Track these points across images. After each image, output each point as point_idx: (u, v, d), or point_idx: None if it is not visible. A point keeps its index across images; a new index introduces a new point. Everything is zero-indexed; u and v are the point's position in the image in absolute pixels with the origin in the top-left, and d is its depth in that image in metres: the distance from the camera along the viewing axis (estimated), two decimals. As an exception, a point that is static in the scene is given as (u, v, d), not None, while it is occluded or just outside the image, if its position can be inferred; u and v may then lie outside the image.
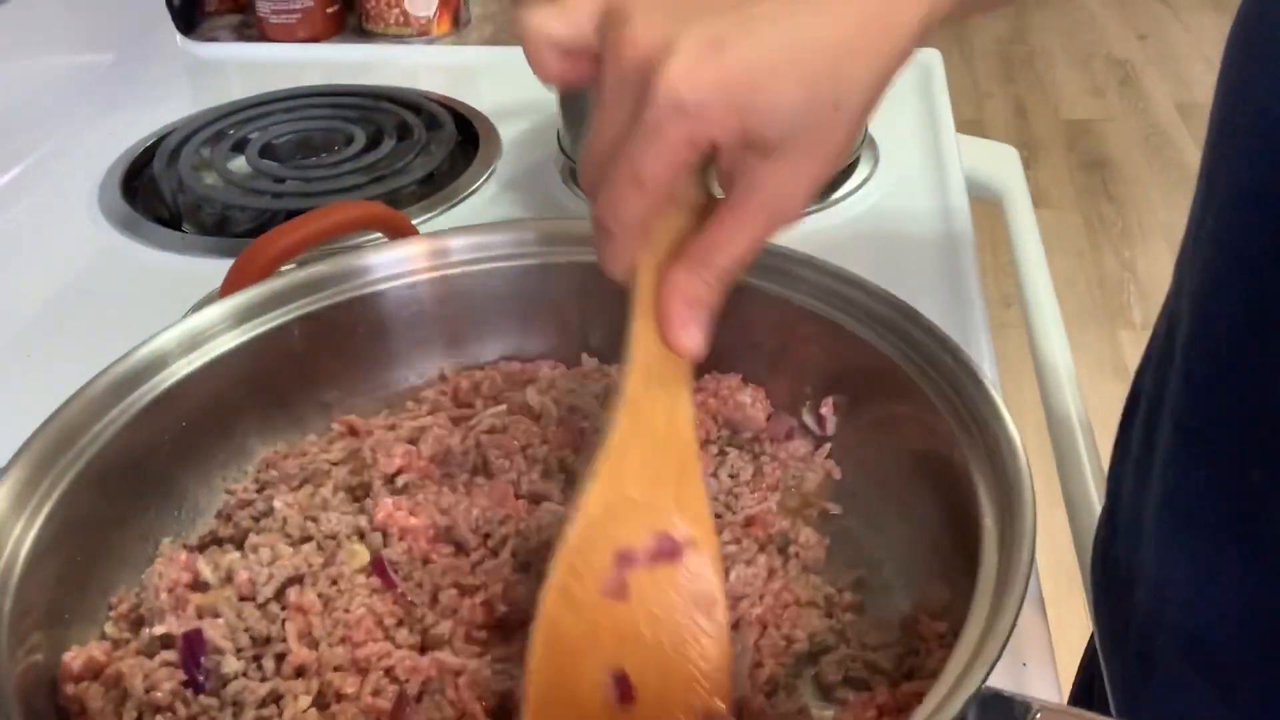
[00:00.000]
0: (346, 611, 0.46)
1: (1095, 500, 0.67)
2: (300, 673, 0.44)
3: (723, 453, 0.55)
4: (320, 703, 0.43)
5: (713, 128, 0.38)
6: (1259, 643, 0.51)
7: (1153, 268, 2.48)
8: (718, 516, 0.52)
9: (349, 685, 0.43)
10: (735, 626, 0.47)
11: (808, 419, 0.56)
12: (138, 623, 0.47)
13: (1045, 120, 3.07)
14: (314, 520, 0.50)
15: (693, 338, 0.42)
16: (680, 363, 0.43)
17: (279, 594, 0.47)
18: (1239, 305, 0.48)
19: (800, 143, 0.40)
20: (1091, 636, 0.70)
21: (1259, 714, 0.52)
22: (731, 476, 0.54)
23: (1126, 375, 2.46)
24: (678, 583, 0.43)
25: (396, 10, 1.12)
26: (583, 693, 0.41)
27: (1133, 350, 2.27)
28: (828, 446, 0.55)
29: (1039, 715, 0.36)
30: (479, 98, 0.99)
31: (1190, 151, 2.87)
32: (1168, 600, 0.55)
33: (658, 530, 0.43)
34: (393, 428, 0.55)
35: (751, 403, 0.55)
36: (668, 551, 0.43)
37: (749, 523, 0.51)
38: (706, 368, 0.58)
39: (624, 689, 0.41)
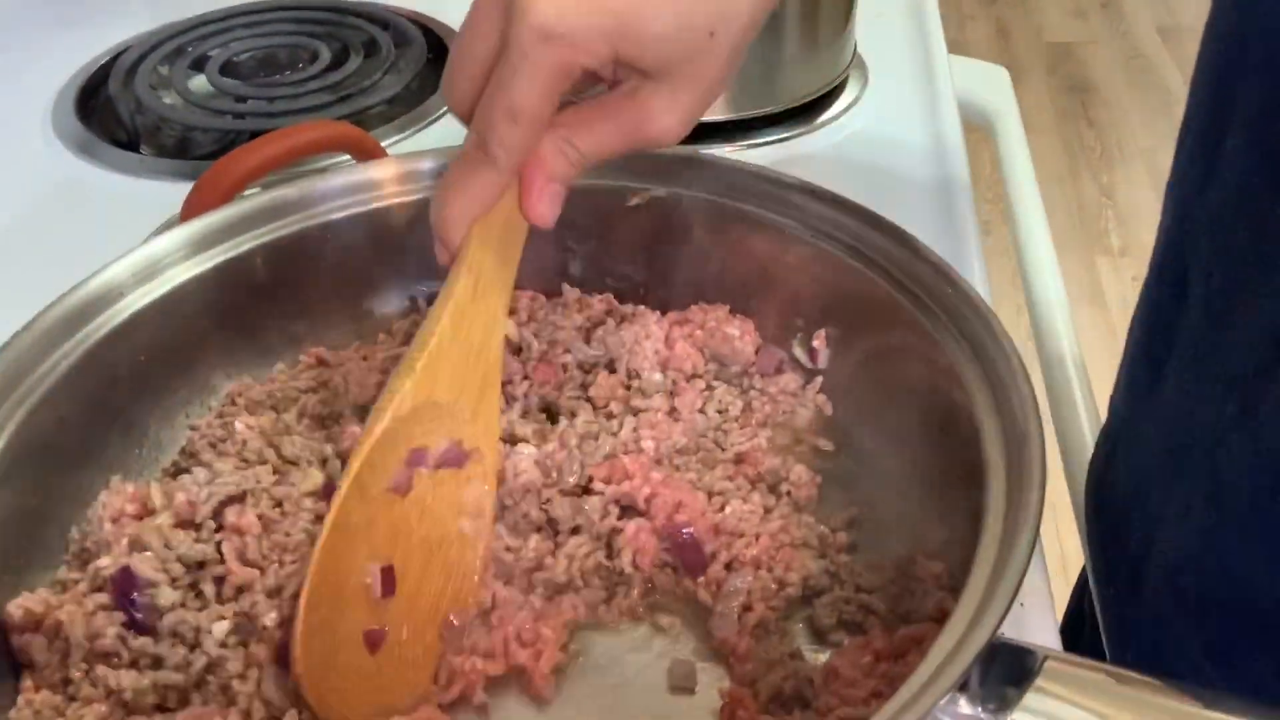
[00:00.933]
0: (287, 535, 0.43)
1: (1087, 433, 0.66)
2: (242, 592, 0.42)
3: (710, 388, 0.53)
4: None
5: (582, 55, 0.38)
6: (1221, 578, 0.50)
7: (1132, 194, 2.46)
8: (706, 453, 0.50)
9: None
10: (729, 567, 0.45)
11: (798, 352, 0.54)
12: (86, 561, 0.45)
13: (1027, 43, 3.03)
14: (274, 446, 0.48)
15: (549, 207, 0.43)
16: (507, 279, 0.45)
17: (216, 514, 0.44)
18: (1260, 226, 0.46)
19: (676, 71, 0.40)
20: (1083, 571, 0.70)
21: (1228, 651, 0.52)
22: (720, 412, 0.52)
23: (1104, 302, 2.45)
24: (454, 487, 0.44)
25: (363, -79, 1.07)
26: (350, 581, 0.42)
27: (1111, 277, 2.26)
28: (819, 381, 0.53)
29: (1047, 664, 0.34)
30: (449, 12, 0.95)
31: (1172, 75, 2.84)
32: (1160, 526, 0.54)
33: (452, 437, 0.44)
34: (366, 358, 0.53)
35: (739, 335, 0.53)
36: (454, 458, 0.44)
37: (739, 460, 0.49)
38: (693, 298, 0.55)
39: (387, 581, 0.42)
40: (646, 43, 0.38)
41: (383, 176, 0.53)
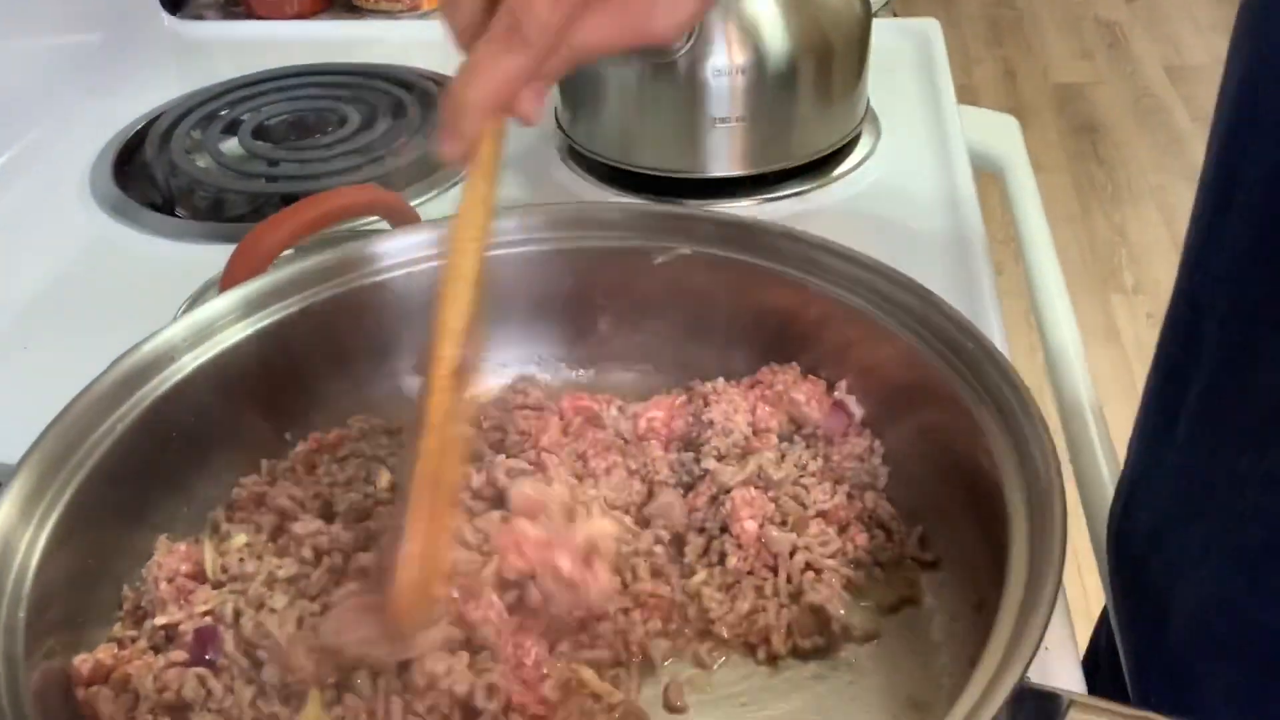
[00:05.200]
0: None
1: (1106, 476, 0.67)
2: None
3: (789, 441, 0.54)
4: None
5: None
6: (1242, 622, 0.51)
7: (1144, 231, 2.48)
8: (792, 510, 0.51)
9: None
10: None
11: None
12: (141, 619, 0.47)
13: (1034, 84, 3.06)
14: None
15: (538, 103, 0.42)
16: (495, 187, 0.44)
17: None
18: (1274, 284, 0.47)
19: None
20: (1103, 611, 0.71)
21: (1248, 694, 0.52)
22: (799, 467, 0.52)
23: (1119, 339, 2.44)
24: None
25: (386, -15, 1.10)
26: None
27: (1125, 314, 2.27)
28: (880, 450, 0.53)
29: (1072, 708, 0.36)
30: (473, 74, 0.98)
31: (1180, 114, 2.86)
32: (1180, 575, 0.55)
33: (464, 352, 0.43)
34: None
35: (806, 400, 0.54)
36: (464, 371, 0.44)
37: (825, 517, 0.50)
38: (764, 359, 0.57)
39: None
40: None
41: (421, 240, 0.56)
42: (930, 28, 1.01)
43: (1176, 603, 0.55)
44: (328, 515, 0.51)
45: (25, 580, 0.41)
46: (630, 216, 0.58)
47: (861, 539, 0.49)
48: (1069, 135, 2.84)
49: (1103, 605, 0.71)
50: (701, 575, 0.49)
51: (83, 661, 0.44)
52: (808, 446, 0.53)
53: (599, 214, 0.58)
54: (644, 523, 0.51)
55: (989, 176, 0.95)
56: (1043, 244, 0.86)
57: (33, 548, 0.42)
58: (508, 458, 0.52)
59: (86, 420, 0.47)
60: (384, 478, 0.53)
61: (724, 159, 0.79)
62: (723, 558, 0.49)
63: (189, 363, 0.50)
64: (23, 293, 0.75)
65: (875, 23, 0.83)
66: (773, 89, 0.77)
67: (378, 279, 0.55)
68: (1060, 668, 0.49)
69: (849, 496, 0.51)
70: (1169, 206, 2.53)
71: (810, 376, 0.55)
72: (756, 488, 0.50)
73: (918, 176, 0.83)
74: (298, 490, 0.52)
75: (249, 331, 0.52)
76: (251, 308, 0.52)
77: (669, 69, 0.76)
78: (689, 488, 0.52)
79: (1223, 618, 0.53)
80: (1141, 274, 2.38)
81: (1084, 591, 1.46)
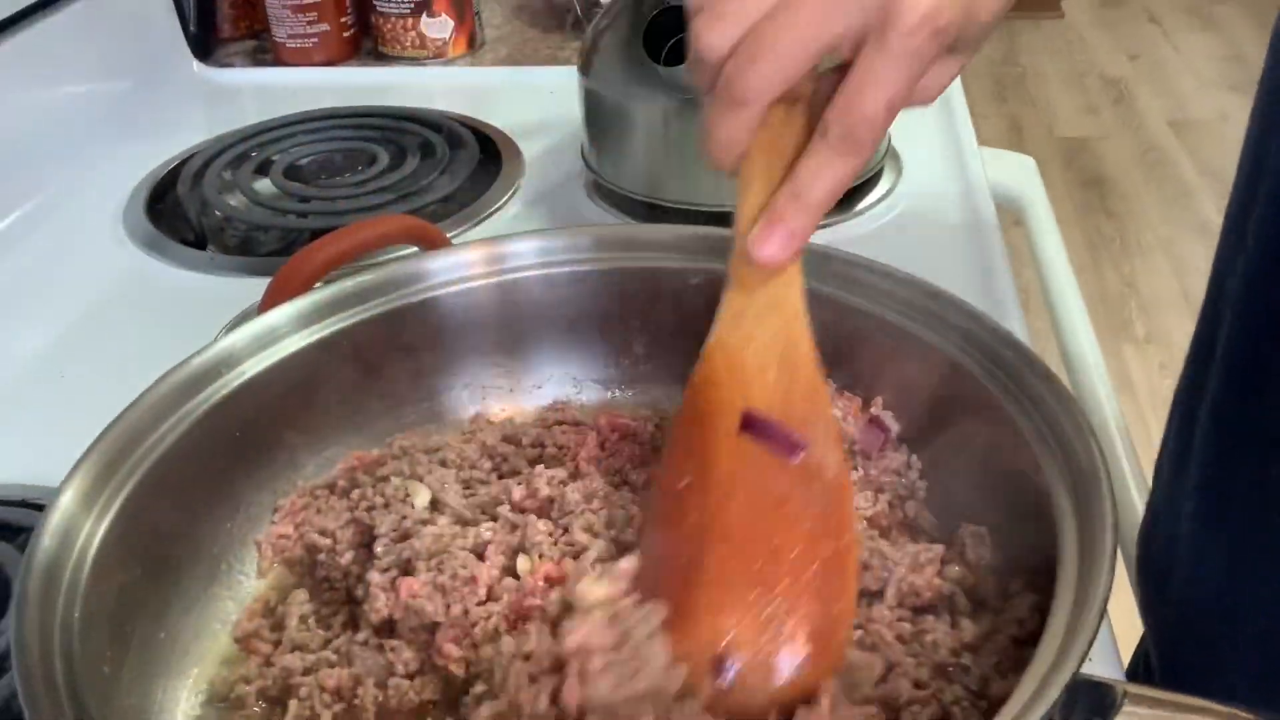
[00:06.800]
0: None
1: (1137, 500, 0.67)
2: None
3: None
4: None
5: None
6: (1270, 637, 0.52)
7: (1154, 282, 2.49)
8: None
9: None
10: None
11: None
12: None
13: (1041, 139, 3.10)
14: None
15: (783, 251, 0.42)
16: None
17: None
18: None
19: (963, 48, 0.41)
20: (1140, 643, 0.71)
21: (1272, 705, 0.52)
22: None
23: (1133, 390, 2.44)
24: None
25: (413, 33, 1.13)
26: None
27: (1138, 365, 2.27)
28: (918, 464, 0.53)
29: (1127, 696, 0.36)
30: (499, 117, 1.00)
31: (1186, 167, 2.89)
32: (1202, 588, 0.56)
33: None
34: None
35: (842, 416, 0.54)
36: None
37: (869, 523, 0.50)
38: None
39: None
40: (974, 27, 0.39)
41: (473, 259, 0.57)
42: (947, 70, 1.03)
43: (1198, 618, 0.56)
44: (364, 542, 0.52)
45: (82, 575, 0.42)
46: (667, 237, 0.59)
47: (903, 540, 0.49)
48: (1076, 189, 2.87)
49: (1136, 638, 0.71)
50: None
51: None
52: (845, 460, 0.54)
53: (634, 235, 0.59)
54: None
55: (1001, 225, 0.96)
56: (1064, 275, 0.87)
57: (88, 546, 0.43)
58: (547, 469, 0.53)
59: (145, 422, 0.47)
60: (422, 496, 0.53)
61: (750, 192, 0.80)
62: None
63: (239, 375, 0.51)
64: (60, 323, 0.76)
65: (894, 63, 0.84)
66: (797, 123, 0.78)
67: (422, 298, 0.56)
68: (1102, 672, 0.48)
69: (889, 506, 0.51)
70: (1178, 258, 2.55)
71: (846, 393, 0.56)
72: None
73: (940, 213, 0.84)
74: (330, 522, 0.52)
75: (300, 346, 0.53)
76: (301, 323, 0.53)
77: (695, 103, 0.77)
78: (728, 500, 0.52)
79: (1244, 625, 0.53)
80: (1152, 325, 2.39)
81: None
